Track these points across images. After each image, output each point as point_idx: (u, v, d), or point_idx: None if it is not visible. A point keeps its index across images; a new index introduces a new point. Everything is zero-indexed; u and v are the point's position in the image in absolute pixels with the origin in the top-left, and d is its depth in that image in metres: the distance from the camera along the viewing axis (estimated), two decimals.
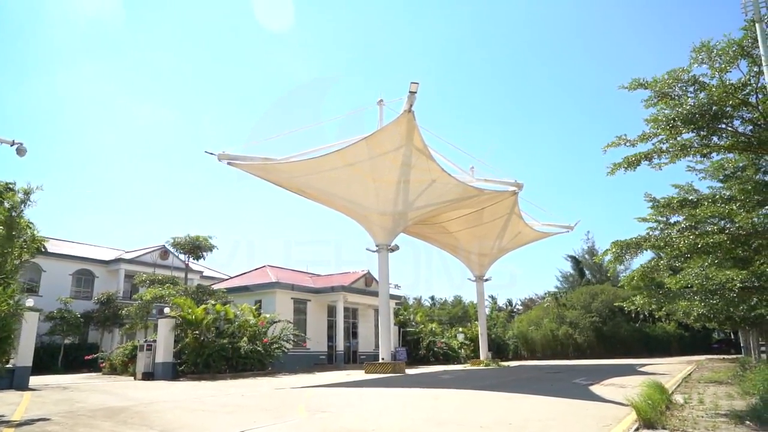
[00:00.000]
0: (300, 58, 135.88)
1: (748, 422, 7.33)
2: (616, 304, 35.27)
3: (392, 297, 32.19)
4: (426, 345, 33.44)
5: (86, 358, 25.92)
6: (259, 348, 20.46)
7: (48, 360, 28.22)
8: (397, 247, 23.19)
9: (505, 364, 31.41)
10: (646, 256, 12.55)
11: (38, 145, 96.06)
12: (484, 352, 31.23)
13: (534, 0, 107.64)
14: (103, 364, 23.55)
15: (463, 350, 36.52)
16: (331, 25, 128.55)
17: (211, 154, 20.52)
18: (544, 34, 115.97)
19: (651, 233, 9.77)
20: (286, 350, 22.56)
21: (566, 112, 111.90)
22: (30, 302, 15.75)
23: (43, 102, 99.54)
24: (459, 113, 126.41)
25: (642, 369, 21.81)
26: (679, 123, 8.42)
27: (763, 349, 21.94)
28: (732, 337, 44.91)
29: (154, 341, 19.73)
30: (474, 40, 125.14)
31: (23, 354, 15.05)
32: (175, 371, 19.14)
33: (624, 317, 44.59)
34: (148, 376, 18.87)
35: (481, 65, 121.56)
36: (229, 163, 20.96)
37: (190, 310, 19.89)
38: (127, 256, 36.87)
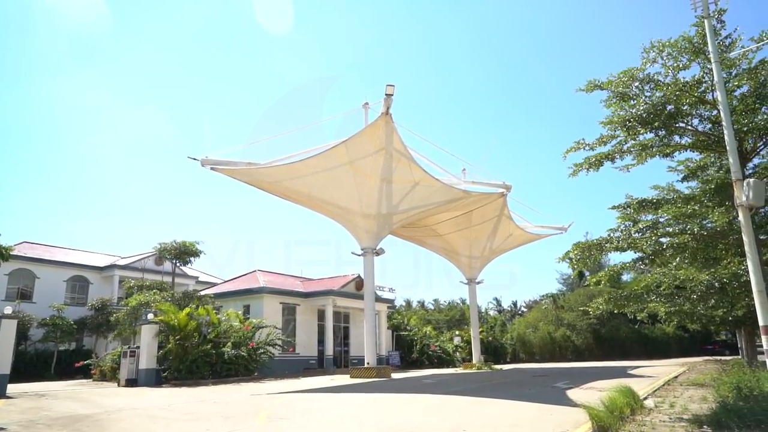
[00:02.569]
0: (300, 59, 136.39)
1: (706, 427, 7.17)
2: (581, 308, 35.21)
3: (384, 300, 32.05)
4: (419, 348, 33.25)
5: (76, 365, 25.90)
6: (243, 353, 20.37)
7: (41, 367, 28.18)
8: (382, 251, 23.04)
9: (498, 367, 31.20)
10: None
11: (35, 151, 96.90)
12: (476, 356, 31.01)
13: (528, 2, 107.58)
14: (94, 371, 23.54)
15: (458, 353, 36.34)
16: (330, 27, 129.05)
17: (194, 159, 20.49)
18: (537, 34, 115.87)
19: (612, 234, 9.57)
20: (271, 355, 22.43)
21: (561, 112, 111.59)
22: (8, 309, 15.76)
23: (37, 109, 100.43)
24: (453, 115, 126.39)
25: (632, 372, 21.56)
26: (635, 123, 8.25)
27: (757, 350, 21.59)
28: (734, 338, 44.35)
29: (138, 347, 19.70)
30: (468, 42, 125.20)
31: (1, 361, 15.01)
32: (158, 377, 19.08)
33: (623, 319, 44.20)
34: (131, 382, 18.82)
35: (476, 67, 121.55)
36: (212, 168, 20.92)
37: (173, 316, 19.86)
38: (122, 262, 36.88)
